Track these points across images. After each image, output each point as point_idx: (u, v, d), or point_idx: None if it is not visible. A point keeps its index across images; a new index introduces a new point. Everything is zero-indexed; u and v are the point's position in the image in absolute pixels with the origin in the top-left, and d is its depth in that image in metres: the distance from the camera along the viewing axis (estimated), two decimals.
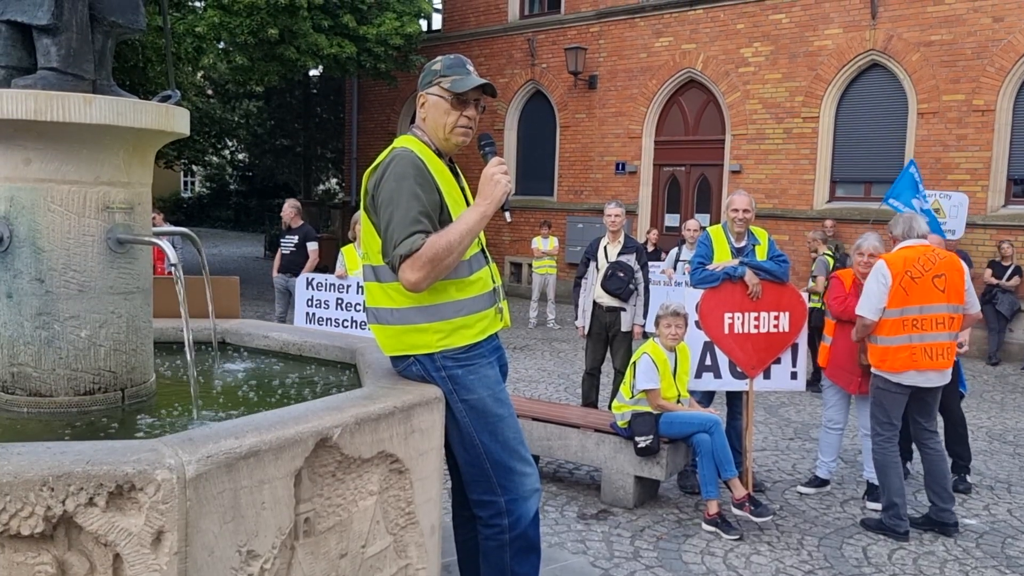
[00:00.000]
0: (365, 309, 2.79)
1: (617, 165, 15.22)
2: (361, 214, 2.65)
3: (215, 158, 29.59)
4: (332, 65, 13.25)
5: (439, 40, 17.97)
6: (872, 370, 4.89)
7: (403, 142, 2.65)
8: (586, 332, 7.07)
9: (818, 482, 5.63)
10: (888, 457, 4.85)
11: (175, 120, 2.56)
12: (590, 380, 7.18)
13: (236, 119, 25.76)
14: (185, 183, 39.60)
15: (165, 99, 2.87)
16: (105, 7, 2.51)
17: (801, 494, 5.55)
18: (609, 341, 7.01)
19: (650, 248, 12.49)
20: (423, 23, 18.12)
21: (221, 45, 12.81)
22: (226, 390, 2.87)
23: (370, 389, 2.47)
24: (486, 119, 17.26)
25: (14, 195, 2.40)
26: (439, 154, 2.70)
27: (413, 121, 2.85)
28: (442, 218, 2.57)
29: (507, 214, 2.68)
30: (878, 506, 5.25)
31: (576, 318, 7.19)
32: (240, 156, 32.88)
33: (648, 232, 12.91)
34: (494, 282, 2.74)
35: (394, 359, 2.68)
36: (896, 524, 4.79)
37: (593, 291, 6.99)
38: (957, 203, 11.37)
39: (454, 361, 2.58)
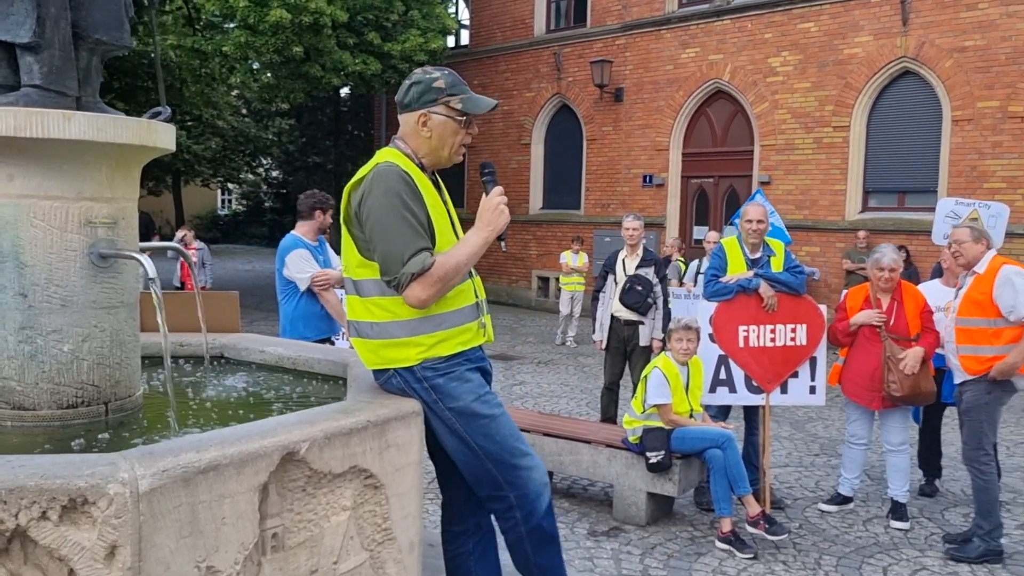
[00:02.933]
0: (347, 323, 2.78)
1: (644, 178, 15.13)
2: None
3: (250, 176, 30.04)
4: (357, 82, 13.39)
5: (466, 56, 18.08)
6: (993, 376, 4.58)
7: (386, 156, 2.63)
8: (604, 346, 7.01)
9: (840, 499, 5.49)
10: (993, 477, 4.69)
11: (158, 135, 2.57)
12: (608, 395, 7.10)
13: (269, 137, 26.16)
14: (223, 201, 40.28)
15: (155, 115, 2.89)
16: (89, 25, 2.54)
17: (822, 512, 5.41)
18: (628, 355, 6.93)
19: (675, 260, 12.39)
20: (450, 39, 18.27)
21: (256, 65, 13.04)
22: (215, 404, 2.87)
23: (347, 403, 2.44)
24: (513, 133, 17.32)
25: None
26: (422, 168, 2.68)
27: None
28: (429, 232, 2.56)
29: (503, 243, 2.72)
30: (903, 525, 5.10)
31: (594, 331, 7.12)
32: (274, 173, 33.36)
33: (669, 244, 12.77)
34: (477, 296, 2.71)
35: (375, 372, 2.66)
36: (999, 545, 4.64)
37: (611, 305, 6.92)
38: (996, 212, 11.04)
39: (434, 371, 2.56)
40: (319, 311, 5.23)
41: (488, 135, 17.85)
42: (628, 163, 15.44)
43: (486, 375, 2.73)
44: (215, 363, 3.50)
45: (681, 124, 14.73)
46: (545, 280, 16.89)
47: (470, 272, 2.73)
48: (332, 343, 5.32)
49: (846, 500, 5.49)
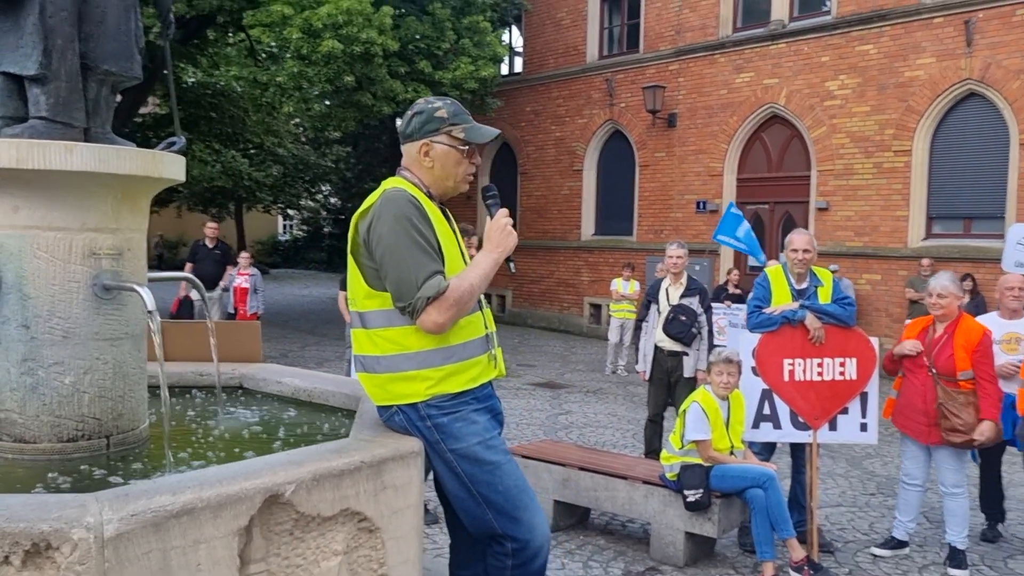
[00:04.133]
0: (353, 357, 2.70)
1: (698, 204, 14.87)
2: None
3: (309, 202, 30.60)
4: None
5: (519, 83, 18.14)
6: None
7: (395, 183, 2.57)
8: (647, 377, 6.82)
9: (895, 544, 5.18)
10: None
11: (164, 166, 2.55)
12: (652, 427, 6.90)
13: (328, 164, 26.65)
14: (285, 226, 41.15)
15: (170, 145, 2.89)
16: (98, 56, 2.54)
17: (875, 557, 5.11)
18: (671, 387, 6.73)
19: (731, 289, 12.09)
20: (504, 65, 18.36)
21: (315, 92, 13.27)
22: (219, 438, 2.81)
23: (342, 442, 2.36)
24: (565, 159, 17.25)
25: (3, 242, 2.42)
26: (430, 196, 2.61)
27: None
28: (440, 256, 2.49)
29: (511, 265, 2.67)
30: (962, 573, 4.79)
31: (637, 362, 6.94)
32: (332, 200, 33.95)
33: (729, 272, 12.49)
34: (487, 328, 2.61)
35: (380, 409, 2.57)
36: None
37: (654, 334, 6.75)
38: None
39: (438, 409, 2.45)
40: None
41: (540, 162, 17.83)
42: (681, 189, 15.22)
43: (496, 416, 2.61)
44: (234, 393, 3.46)
45: (735, 149, 14.47)
46: (597, 307, 16.69)
47: (480, 304, 2.63)
48: None
49: (901, 544, 5.18)
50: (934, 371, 4.82)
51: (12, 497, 1.79)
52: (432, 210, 2.54)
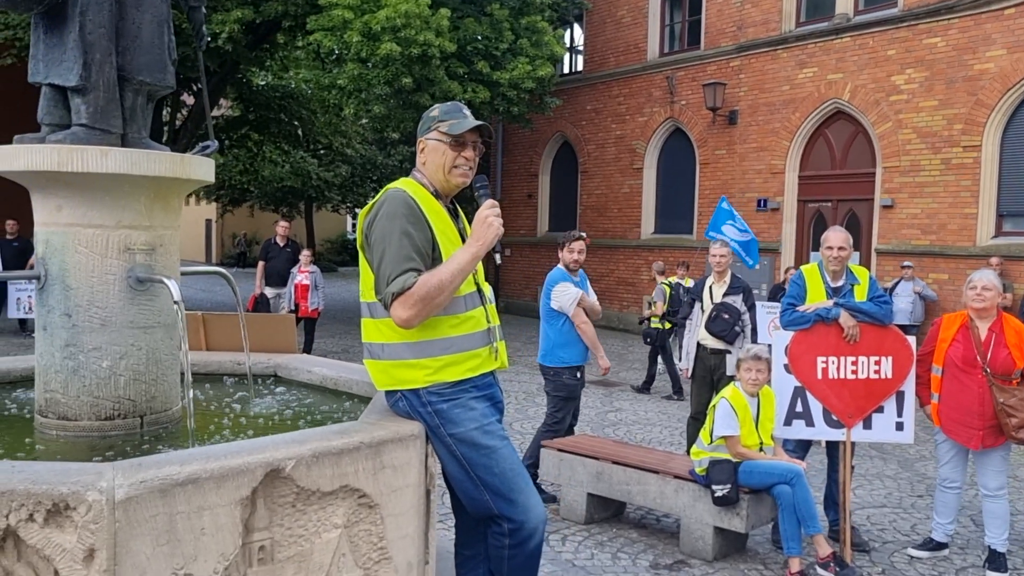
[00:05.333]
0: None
1: (759, 202, 14.69)
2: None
3: None
4: None
5: (579, 81, 18.19)
6: None
7: (399, 184, 2.73)
8: (690, 374, 6.85)
9: (933, 545, 5.11)
10: None
11: (192, 168, 2.76)
12: (695, 424, 6.90)
13: (394, 164, 27.16)
14: (352, 225, 42.08)
15: (204, 148, 3.11)
16: (134, 68, 2.77)
17: (911, 558, 5.05)
18: (715, 385, 6.74)
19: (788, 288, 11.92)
20: (565, 62, 18.44)
21: (375, 94, 13.60)
22: (247, 419, 3.03)
23: (349, 424, 2.53)
24: (625, 158, 17.24)
25: (48, 238, 2.67)
26: (437, 195, 2.76)
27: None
28: (434, 256, 2.62)
29: (498, 256, 2.70)
30: None
31: (680, 359, 6.98)
32: None
33: (787, 271, 12.32)
34: (489, 322, 2.74)
35: (386, 395, 2.73)
36: None
37: (697, 332, 6.77)
38: None
39: (439, 396, 2.60)
40: (577, 338, 5.88)
41: (600, 160, 17.85)
42: (742, 187, 15.05)
43: (496, 404, 2.75)
44: (268, 381, 3.69)
45: (798, 146, 14.24)
46: None
47: (482, 297, 2.76)
48: (582, 370, 6.02)
49: (940, 546, 5.11)
50: (988, 371, 4.74)
51: (39, 464, 2.02)
52: (433, 209, 2.68)
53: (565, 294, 5.83)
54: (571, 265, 5.98)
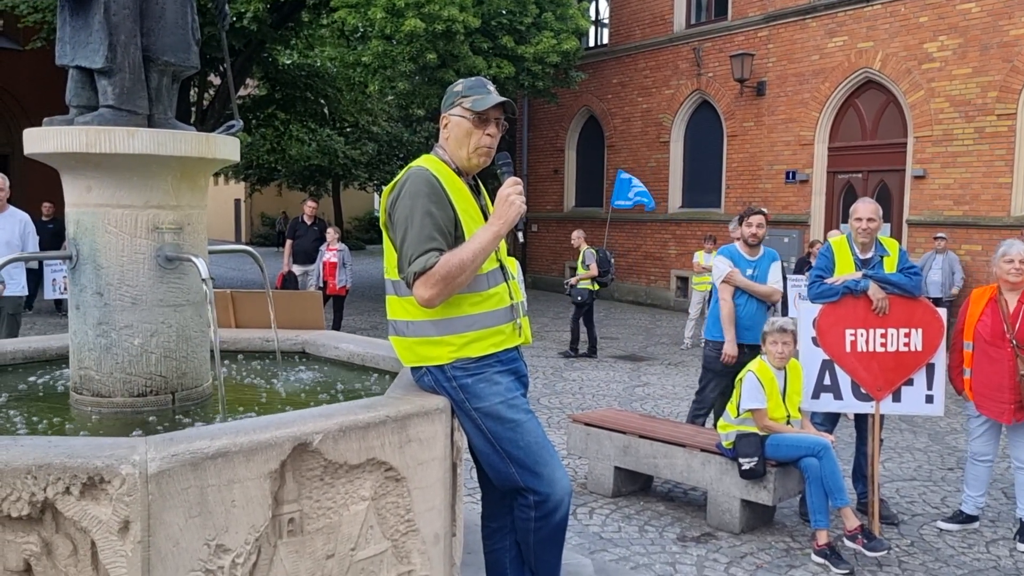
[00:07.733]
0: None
1: (787, 174, 14.51)
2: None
3: None
4: None
5: (605, 55, 18.03)
6: None
7: (421, 161, 2.74)
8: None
9: (963, 518, 5.08)
10: None
11: (217, 148, 2.79)
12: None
13: (420, 141, 27.17)
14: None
15: (229, 128, 3.14)
16: (158, 48, 2.80)
17: (940, 530, 5.03)
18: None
19: (813, 261, 11.80)
20: (591, 36, 18.25)
21: (400, 71, 13.57)
22: (277, 395, 3.08)
23: (375, 399, 2.56)
24: (652, 131, 17.09)
25: (79, 219, 2.72)
26: (459, 173, 2.76)
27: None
28: (457, 235, 2.63)
29: (520, 234, 2.71)
30: None
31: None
32: None
33: (812, 245, 12.18)
34: (512, 298, 2.76)
35: (412, 370, 2.77)
36: None
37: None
38: None
39: (463, 371, 2.63)
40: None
41: (627, 134, 17.72)
42: (771, 159, 14.87)
43: (521, 378, 2.77)
44: (296, 358, 3.74)
45: (827, 117, 14.02)
46: (684, 280, 16.55)
47: (505, 274, 2.78)
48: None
49: (970, 519, 5.08)
50: (1015, 343, 4.68)
51: (76, 439, 2.07)
52: (455, 186, 2.68)
53: (717, 268, 5.91)
54: (749, 239, 5.90)
